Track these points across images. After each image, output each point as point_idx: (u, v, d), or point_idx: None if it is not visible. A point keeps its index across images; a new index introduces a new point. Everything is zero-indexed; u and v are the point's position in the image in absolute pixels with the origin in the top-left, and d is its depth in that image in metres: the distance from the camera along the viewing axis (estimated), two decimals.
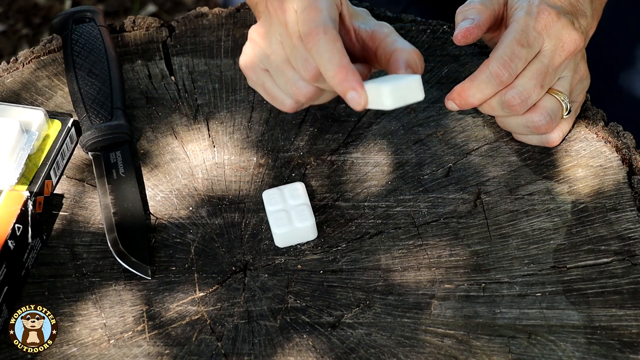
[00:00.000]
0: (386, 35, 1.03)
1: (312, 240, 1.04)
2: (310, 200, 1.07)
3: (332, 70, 0.96)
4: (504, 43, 1.03)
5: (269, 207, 1.05)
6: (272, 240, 1.05)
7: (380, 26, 1.05)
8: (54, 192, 1.10)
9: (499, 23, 1.09)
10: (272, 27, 1.03)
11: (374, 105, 0.97)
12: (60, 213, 1.08)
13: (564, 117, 1.07)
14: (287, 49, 1.01)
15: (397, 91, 0.96)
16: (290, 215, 1.04)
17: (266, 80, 1.05)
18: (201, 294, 1.01)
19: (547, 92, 1.05)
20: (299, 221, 1.03)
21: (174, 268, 1.03)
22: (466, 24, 1.05)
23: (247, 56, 1.06)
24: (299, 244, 1.04)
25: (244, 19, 1.26)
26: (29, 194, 1.04)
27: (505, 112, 1.05)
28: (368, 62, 1.06)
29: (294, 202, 1.05)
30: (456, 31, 1.05)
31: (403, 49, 1.01)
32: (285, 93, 1.04)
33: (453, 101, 1.05)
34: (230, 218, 1.07)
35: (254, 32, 1.05)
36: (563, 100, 1.06)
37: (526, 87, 1.03)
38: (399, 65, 1.00)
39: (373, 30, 1.04)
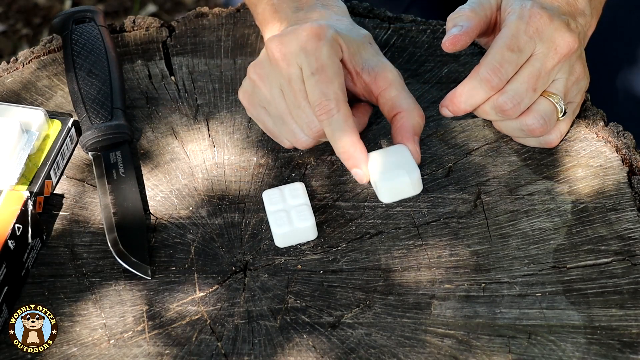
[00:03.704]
0: (389, 85, 1.07)
1: (312, 240, 1.04)
2: (310, 200, 1.07)
3: (342, 148, 1.03)
4: (494, 48, 1.03)
5: (269, 207, 1.05)
6: (272, 240, 1.05)
7: (384, 68, 1.08)
8: (54, 192, 1.10)
9: (493, 28, 1.09)
10: (272, 74, 1.06)
11: (373, 187, 1.06)
12: (60, 213, 1.08)
13: (560, 118, 1.07)
14: (289, 104, 1.05)
15: (394, 189, 1.04)
16: (290, 215, 1.03)
17: (266, 120, 1.08)
18: (201, 294, 1.01)
19: (541, 94, 1.05)
20: (299, 221, 1.03)
21: (174, 268, 1.03)
22: (455, 31, 1.05)
23: (247, 93, 1.09)
24: (299, 244, 1.04)
25: (244, 19, 1.26)
26: (29, 194, 1.04)
27: (499, 116, 1.06)
28: (369, 100, 1.08)
29: (294, 202, 1.05)
30: (445, 38, 1.05)
31: (408, 113, 1.06)
32: (286, 137, 1.07)
33: (446, 108, 1.06)
34: (230, 218, 1.07)
35: (253, 72, 1.08)
36: (557, 103, 1.06)
37: (518, 91, 1.04)
38: (406, 136, 1.06)
39: (376, 74, 1.08)
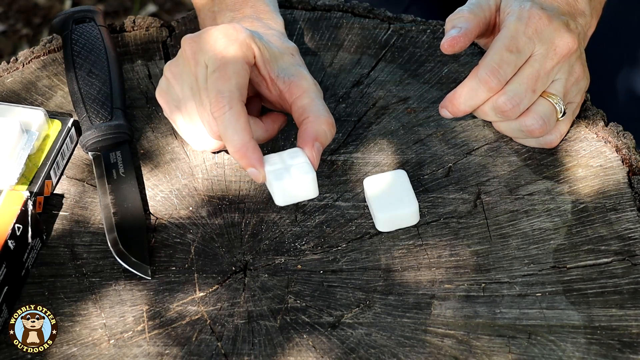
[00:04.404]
0: (303, 92, 1.05)
1: (312, 240, 1.04)
2: (310, 200, 1.07)
3: (234, 147, 1.00)
4: (493, 49, 1.03)
5: (268, 168, 1.02)
6: (272, 240, 1.04)
7: (300, 77, 1.06)
8: (54, 192, 1.10)
9: (492, 29, 1.09)
10: (184, 72, 1.06)
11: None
12: (60, 213, 1.08)
13: (559, 119, 1.07)
14: (196, 102, 1.04)
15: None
16: (290, 171, 1.01)
17: (179, 121, 1.08)
18: (201, 294, 1.01)
19: (540, 95, 1.05)
20: (299, 174, 1.00)
21: (174, 268, 1.03)
22: (453, 33, 1.05)
23: (162, 91, 1.09)
24: (300, 203, 1.02)
25: None
26: (29, 194, 1.04)
27: (499, 117, 1.06)
28: (285, 109, 1.07)
29: (294, 161, 1.02)
30: (443, 40, 1.05)
31: (315, 119, 1.04)
32: (196, 138, 1.06)
33: (446, 109, 1.06)
34: (230, 218, 1.07)
35: (168, 70, 1.08)
36: (557, 103, 1.06)
37: (517, 92, 1.04)
38: (306, 140, 1.03)
39: (291, 82, 1.06)
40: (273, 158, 1.02)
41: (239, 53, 1.03)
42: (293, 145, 1.10)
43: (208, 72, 1.03)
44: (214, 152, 1.11)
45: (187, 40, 1.05)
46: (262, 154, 1.01)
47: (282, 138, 1.13)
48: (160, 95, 1.09)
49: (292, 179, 1.00)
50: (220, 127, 1.01)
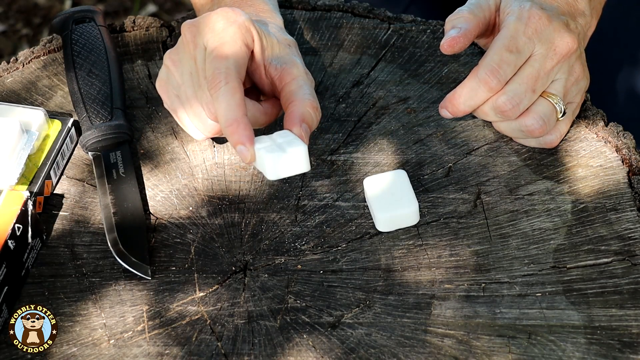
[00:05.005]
0: (292, 79, 1.05)
1: (312, 240, 1.04)
2: (310, 200, 1.07)
3: (226, 122, 0.99)
4: (493, 49, 1.03)
5: (258, 145, 1.00)
6: (272, 240, 1.04)
7: (291, 65, 1.06)
8: (54, 192, 1.10)
9: (492, 29, 1.09)
10: (184, 57, 1.05)
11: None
12: (60, 213, 1.08)
13: (559, 119, 1.07)
14: (194, 85, 1.03)
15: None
16: (281, 146, 1.00)
17: (178, 107, 1.07)
18: (201, 294, 1.01)
19: (540, 95, 1.05)
20: (290, 147, 0.99)
21: (174, 268, 1.03)
22: (453, 33, 1.05)
23: (162, 81, 1.08)
24: (292, 176, 1.01)
25: None
26: (29, 194, 1.04)
27: (499, 117, 1.06)
28: (276, 96, 1.07)
29: (284, 139, 1.01)
30: (443, 40, 1.05)
31: (300, 102, 1.03)
32: (194, 124, 1.06)
33: (446, 109, 1.06)
34: (230, 218, 1.07)
35: (167, 58, 1.07)
36: (557, 103, 1.06)
37: (517, 92, 1.04)
38: (293, 121, 1.02)
39: (282, 69, 1.06)
40: (263, 138, 1.02)
41: (238, 34, 1.03)
42: None
43: (206, 53, 1.02)
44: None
45: (186, 25, 1.05)
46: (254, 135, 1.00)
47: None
48: (160, 85, 1.09)
49: (285, 152, 0.99)
50: (215, 103, 1.00)
